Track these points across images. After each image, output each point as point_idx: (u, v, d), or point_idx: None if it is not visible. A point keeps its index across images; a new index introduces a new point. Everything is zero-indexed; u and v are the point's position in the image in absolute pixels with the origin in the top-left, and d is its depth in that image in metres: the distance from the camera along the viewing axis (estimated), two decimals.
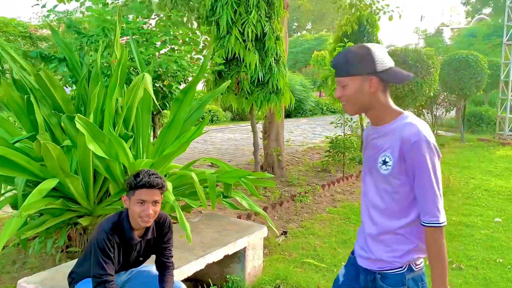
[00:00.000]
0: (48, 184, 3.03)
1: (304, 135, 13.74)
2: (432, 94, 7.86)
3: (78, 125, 2.86)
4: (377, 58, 1.63)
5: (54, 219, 3.31)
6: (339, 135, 8.11)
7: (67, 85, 4.45)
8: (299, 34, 42.55)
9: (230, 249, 3.16)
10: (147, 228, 2.24)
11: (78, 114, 2.93)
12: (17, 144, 3.48)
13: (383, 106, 1.69)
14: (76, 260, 2.41)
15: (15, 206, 3.55)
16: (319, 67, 27.04)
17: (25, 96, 3.41)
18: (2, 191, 3.57)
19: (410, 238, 1.67)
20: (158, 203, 2.14)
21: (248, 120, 16.97)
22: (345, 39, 7.96)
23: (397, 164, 1.62)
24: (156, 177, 2.11)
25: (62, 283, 2.49)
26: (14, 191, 3.96)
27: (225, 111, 17.35)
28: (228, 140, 12.18)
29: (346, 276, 1.89)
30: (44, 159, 2.91)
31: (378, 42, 8.93)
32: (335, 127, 8.17)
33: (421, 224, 1.62)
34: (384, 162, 1.67)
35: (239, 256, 3.36)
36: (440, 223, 1.59)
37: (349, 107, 1.71)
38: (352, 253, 1.92)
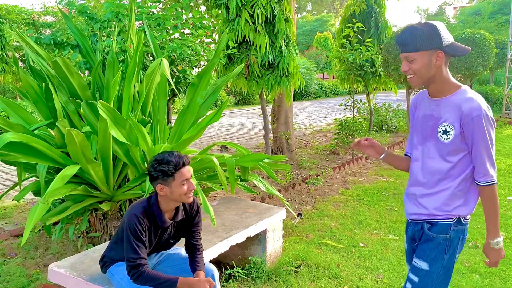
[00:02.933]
0: (70, 171, 3.05)
1: (310, 118, 13.73)
2: None
3: (100, 111, 2.87)
4: (442, 34, 1.77)
5: (76, 205, 3.35)
6: (348, 117, 8.10)
7: (80, 71, 4.45)
8: (299, 16, 42.07)
9: (252, 231, 3.19)
10: (177, 210, 2.27)
11: (101, 100, 2.93)
12: (35, 132, 3.50)
13: (445, 79, 1.84)
14: (107, 244, 2.44)
15: (37, 193, 3.59)
16: (322, 48, 26.84)
17: (43, 83, 3.41)
18: (22, 179, 3.61)
19: (462, 196, 1.87)
20: (192, 177, 2.19)
21: (253, 104, 16.94)
22: (353, 20, 7.89)
23: (457, 134, 1.80)
24: (182, 156, 2.17)
25: (91, 266, 2.54)
26: (33, 179, 4.00)
27: (228, 95, 17.31)
28: (234, 125, 12.19)
29: (406, 241, 2.12)
30: (67, 145, 2.92)
31: (385, 22, 8.85)
32: (344, 109, 8.15)
33: (477, 184, 1.83)
34: (445, 132, 1.83)
35: (259, 238, 3.40)
36: (494, 181, 1.82)
37: (415, 79, 1.84)
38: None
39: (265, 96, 6.63)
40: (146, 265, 2.11)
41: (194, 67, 4.48)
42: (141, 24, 4.32)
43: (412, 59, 1.81)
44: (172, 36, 4.59)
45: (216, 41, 5.57)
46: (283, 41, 5.77)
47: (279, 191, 5.41)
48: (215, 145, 3.79)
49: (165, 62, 3.47)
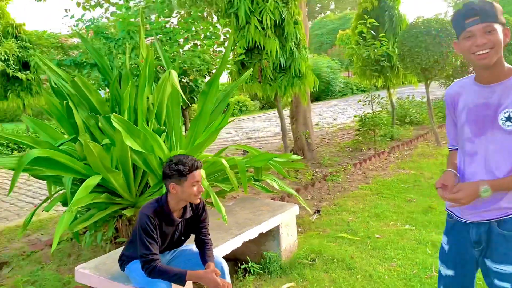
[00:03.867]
0: (93, 181, 3.30)
1: (334, 116, 13.75)
2: (459, 63, 7.72)
3: (114, 124, 3.10)
4: None
5: (100, 213, 3.59)
6: (368, 113, 8.13)
7: (100, 88, 4.74)
8: (323, 15, 41.96)
9: (264, 227, 3.35)
10: (185, 209, 2.46)
11: (114, 113, 3.17)
12: (61, 147, 3.79)
13: (503, 61, 1.71)
14: (124, 245, 2.66)
15: (65, 204, 3.87)
16: (345, 46, 26.71)
17: (64, 101, 3.69)
18: (52, 192, 3.90)
19: None
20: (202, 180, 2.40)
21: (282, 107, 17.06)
22: (365, 16, 7.93)
23: None
24: (195, 160, 2.38)
25: (113, 266, 2.76)
26: (62, 191, 4.30)
27: (253, 100, 17.54)
28: (257, 129, 12.38)
29: (452, 242, 1.92)
30: (87, 157, 3.18)
31: (400, 16, 8.83)
32: (363, 105, 8.19)
33: None
34: (509, 118, 1.68)
35: (273, 234, 3.55)
36: None
37: (492, 55, 1.66)
38: (450, 216, 1.95)
39: (280, 99, 6.77)
40: (158, 260, 2.31)
41: (205, 76, 4.69)
42: (153, 39, 4.58)
43: (491, 29, 1.64)
44: (185, 48, 4.83)
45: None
46: (293, 44, 5.91)
47: (298, 189, 5.54)
48: (228, 150, 3.97)
49: (174, 73, 3.68)
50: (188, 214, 2.49)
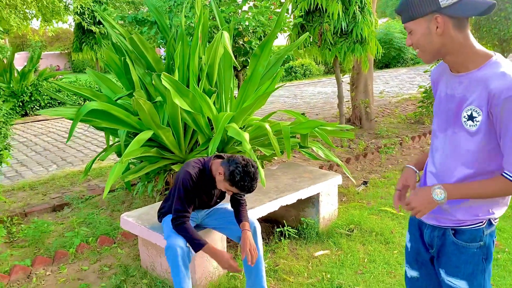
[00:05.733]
0: (145, 135, 3.47)
1: (401, 85, 13.14)
2: None
3: (164, 82, 3.21)
4: None
5: (151, 166, 3.79)
6: None
7: (160, 46, 4.88)
8: None
9: (302, 194, 3.37)
10: None
11: (164, 72, 3.27)
12: (119, 101, 4.00)
13: (463, 47, 1.46)
14: (164, 198, 2.81)
15: (120, 154, 4.12)
16: None
17: (122, 58, 3.86)
18: (110, 143, 4.16)
19: None
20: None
21: (343, 73, 16.61)
22: None
23: (485, 119, 1.42)
24: (254, 186, 2.35)
25: (154, 217, 2.93)
26: (118, 142, 4.57)
27: (318, 64, 17.15)
28: (318, 94, 12.17)
29: (412, 240, 1.75)
30: (138, 113, 3.33)
31: None
32: (429, 76, 7.75)
33: (502, 175, 1.44)
34: (471, 117, 1.46)
35: (313, 202, 3.57)
36: None
37: (421, 54, 1.51)
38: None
39: (341, 65, 6.58)
40: (188, 219, 2.44)
41: (260, 38, 4.66)
42: None
43: (410, 30, 1.49)
44: (244, 8, 4.80)
45: (288, 11, 5.65)
46: (357, 7, 5.65)
47: (349, 159, 5.46)
48: (279, 115, 3.97)
49: (226, 34, 3.70)
50: None
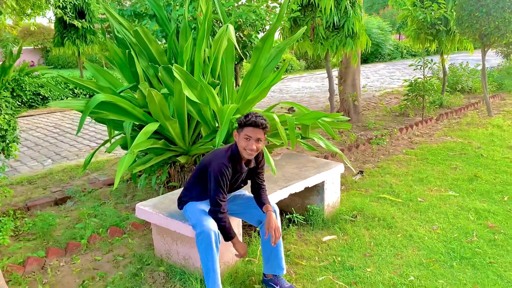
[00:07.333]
0: (152, 127, 3.51)
1: (382, 80, 13.45)
2: None
3: (175, 74, 3.26)
4: None
5: (157, 157, 3.84)
6: (419, 78, 7.94)
7: (157, 39, 4.89)
8: None
9: (309, 182, 3.49)
10: (249, 159, 2.64)
11: (175, 64, 3.32)
12: (121, 94, 4.02)
13: None
14: (183, 187, 2.86)
15: (124, 147, 4.15)
16: (399, 7, 25.52)
17: (127, 50, 3.88)
18: (112, 135, 4.17)
19: None
20: (261, 141, 2.54)
21: (323, 68, 16.83)
22: None
23: None
24: (261, 119, 2.50)
25: (170, 206, 3.00)
26: (120, 136, 4.58)
27: (299, 60, 17.32)
28: (302, 89, 12.33)
29: None
30: (149, 104, 3.37)
31: None
32: (414, 69, 8.00)
33: None
34: None
35: (318, 190, 3.69)
36: None
37: None
38: None
39: (331, 58, 6.73)
40: (226, 209, 2.56)
41: (259, 32, 4.74)
42: None
43: None
44: (240, 2, 4.86)
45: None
46: (348, 2, 5.80)
47: (343, 150, 5.62)
48: (278, 106, 4.07)
49: (231, 28, 3.77)
50: (253, 164, 2.68)
